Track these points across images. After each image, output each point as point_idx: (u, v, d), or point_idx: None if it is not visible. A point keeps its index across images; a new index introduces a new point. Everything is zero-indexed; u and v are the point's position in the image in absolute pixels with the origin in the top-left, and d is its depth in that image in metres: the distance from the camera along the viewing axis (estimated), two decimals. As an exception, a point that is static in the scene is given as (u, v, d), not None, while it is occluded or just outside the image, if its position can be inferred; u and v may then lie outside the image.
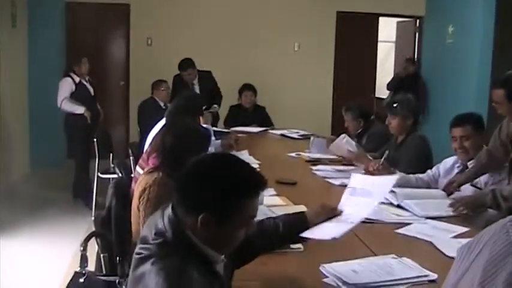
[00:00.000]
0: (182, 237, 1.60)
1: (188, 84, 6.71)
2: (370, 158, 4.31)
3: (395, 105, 4.32)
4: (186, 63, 6.67)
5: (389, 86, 8.69)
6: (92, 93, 6.43)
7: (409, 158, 4.12)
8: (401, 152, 4.21)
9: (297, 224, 2.11)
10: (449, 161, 3.78)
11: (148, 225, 1.71)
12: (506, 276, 0.88)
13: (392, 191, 3.37)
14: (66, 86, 6.21)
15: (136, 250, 1.65)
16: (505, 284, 0.87)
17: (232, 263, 1.87)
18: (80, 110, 6.18)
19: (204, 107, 5.63)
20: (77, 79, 6.25)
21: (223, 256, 1.70)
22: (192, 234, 1.60)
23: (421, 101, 8.39)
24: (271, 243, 2.11)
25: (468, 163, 3.58)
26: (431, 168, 3.97)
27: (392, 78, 8.94)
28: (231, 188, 1.58)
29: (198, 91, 6.65)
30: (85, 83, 6.37)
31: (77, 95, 6.23)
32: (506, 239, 0.93)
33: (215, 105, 6.63)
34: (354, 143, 4.61)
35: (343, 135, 4.68)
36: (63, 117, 6.38)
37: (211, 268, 1.63)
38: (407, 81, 8.41)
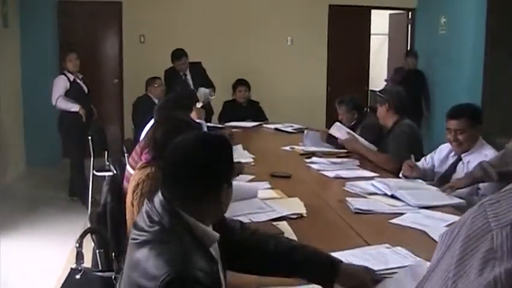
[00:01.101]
0: (179, 220, 1.65)
1: (180, 75, 6.73)
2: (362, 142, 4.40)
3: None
4: (179, 53, 6.73)
5: (395, 80, 8.15)
6: (86, 91, 6.41)
7: (396, 146, 4.21)
8: (389, 141, 4.31)
9: (321, 264, 1.90)
10: (444, 148, 3.77)
11: (141, 214, 1.73)
12: (483, 253, 0.89)
13: (385, 183, 3.41)
14: (61, 84, 6.18)
15: (132, 236, 1.67)
16: (482, 261, 0.89)
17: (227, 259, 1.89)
18: (75, 107, 6.16)
19: (200, 104, 5.65)
20: (71, 77, 6.23)
21: (218, 236, 1.74)
22: (187, 214, 1.67)
23: (425, 96, 8.28)
24: (272, 264, 1.96)
25: (462, 155, 3.59)
26: (421, 156, 4.03)
27: (396, 71, 8.57)
28: (226, 153, 1.76)
29: (190, 81, 6.70)
30: (79, 81, 6.34)
31: (71, 93, 6.21)
32: (483, 218, 0.94)
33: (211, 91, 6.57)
34: (346, 128, 4.67)
35: (334, 125, 4.76)
36: (57, 116, 6.35)
37: (207, 252, 1.67)
38: (410, 75, 8.15)
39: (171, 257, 1.53)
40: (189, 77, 6.78)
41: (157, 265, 1.51)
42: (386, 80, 9.71)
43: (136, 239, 1.64)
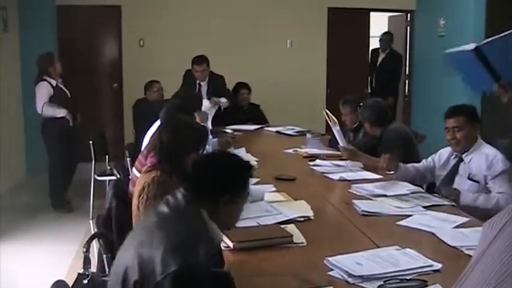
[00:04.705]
0: (196, 212, 1.92)
1: (195, 83, 6.52)
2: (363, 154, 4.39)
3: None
4: (202, 58, 6.49)
5: None
6: (69, 95, 6.27)
7: (387, 152, 4.24)
8: (380, 149, 4.36)
9: None
10: (444, 152, 3.77)
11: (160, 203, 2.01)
12: None
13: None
14: (44, 90, 6.02)
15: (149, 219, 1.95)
16: None
17: None
18: (62, 113, 6.02)
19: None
20: (53, 82, 6.08)
21: (222, 239, 2.07)
22: (206, 214, 1.92)
23: None
24: None
25: (463, 155, 3.58)
26: (411, 156, 4.12)
27: None
28: (244, 173, 2.06)
29: (204, 92, 6.45)
30: (60, 85, 6.19)
31: (56, 98, 6.06)
32: None
33: (224, 100, 6.41)
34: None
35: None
36: (40, 123, 6.20)
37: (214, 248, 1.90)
38: None
39: (180, 242, 1.77)
40: (204, 88, 6.53)
41: (168, 251, 1.74)
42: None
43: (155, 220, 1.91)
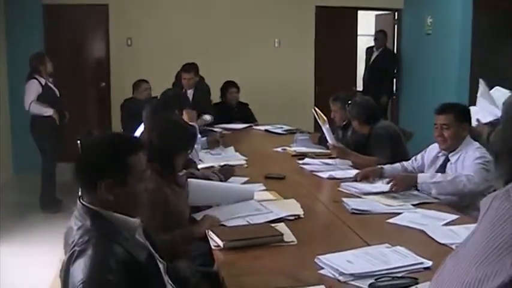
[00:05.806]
0: (96, 216, 1.78)
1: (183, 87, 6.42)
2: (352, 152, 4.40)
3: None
4: (191, 66, 6.43)
5: None
6: (58, 94, 6.29)
7: (377, 149, 4.32)
8: (370, 146, 4.42)
9: None
10: (433, 149, 3.75)
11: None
12: (507, 237, 0.93)
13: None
14: (33, 89, 6.05)
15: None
16: (508, 245, 0.94)
17: None
18: (48, 112, 6.05)
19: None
20: (43, 81, 6.10)
21: (138, 221, 1.87)
22: (103, 209, 1.79)
23: None
24: None
25: (449, 155, 3.57)
26: (400, 154, 4.14)
27: None
28: (113, 150, 1.86)
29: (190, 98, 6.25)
30: (50, 84, 6.22)
31: (44, 97, 6.08)
32: (508, 202, 0.99)
33: (208, 117, 6.25)
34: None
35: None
36: (29, 120, 6.19)
37: (133, 238, 1.82)
38: None
39: (87, 264, 1.65)
40: (189, 96, 6.33)
41: (77, 272, 1.65)
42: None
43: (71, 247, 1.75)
